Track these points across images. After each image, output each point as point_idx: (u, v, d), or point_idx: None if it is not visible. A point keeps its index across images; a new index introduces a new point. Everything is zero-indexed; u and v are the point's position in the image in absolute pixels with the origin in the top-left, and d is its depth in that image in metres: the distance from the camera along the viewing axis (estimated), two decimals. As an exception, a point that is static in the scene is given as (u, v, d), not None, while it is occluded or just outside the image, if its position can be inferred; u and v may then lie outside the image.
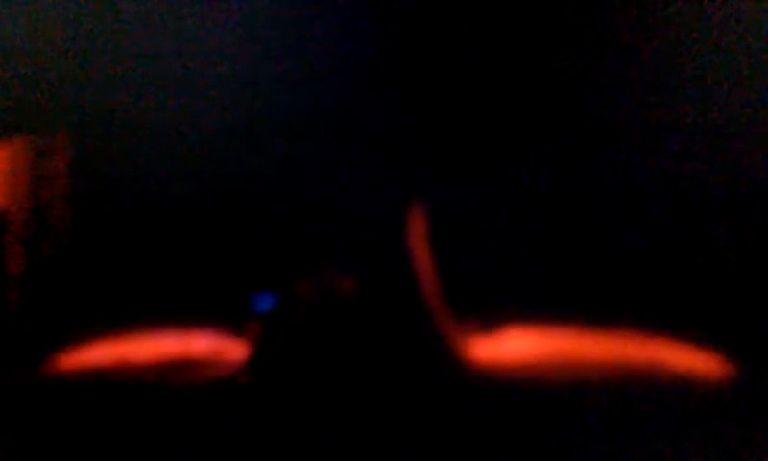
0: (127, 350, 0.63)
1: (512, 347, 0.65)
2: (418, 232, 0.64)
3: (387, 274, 0.64)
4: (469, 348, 0.64)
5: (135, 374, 0.63)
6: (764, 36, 0.64)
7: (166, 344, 0.63)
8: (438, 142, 0.65)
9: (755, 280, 0.65)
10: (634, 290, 0.65)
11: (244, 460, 0.63)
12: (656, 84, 0.64)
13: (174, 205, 0.63)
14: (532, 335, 0.65)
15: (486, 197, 0.65)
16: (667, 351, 0.65)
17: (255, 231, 0.64)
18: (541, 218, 0.65)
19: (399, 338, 0.64)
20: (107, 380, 0.62)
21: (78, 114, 0.62)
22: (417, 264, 0.64)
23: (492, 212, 0.65)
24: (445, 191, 0.65)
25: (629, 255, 0.65)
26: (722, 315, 0.65)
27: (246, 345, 0.63)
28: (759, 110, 0.64)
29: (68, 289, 0.63)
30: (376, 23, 0.64)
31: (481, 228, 0.65)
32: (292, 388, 0.63)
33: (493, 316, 0.65)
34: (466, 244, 0.65)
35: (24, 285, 0.63)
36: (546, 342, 0.64)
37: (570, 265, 0.65)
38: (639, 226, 0.65)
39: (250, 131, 0.63)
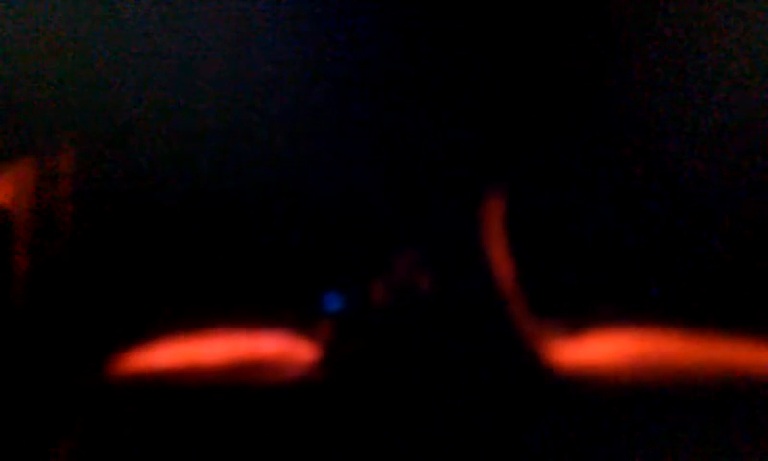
0: (197, 351, 0.61)
1: (596, 350, 0.62)
2: (498, 230, 0.62)
3: (465, 273, 0.62)
4: (553, 351, 0.61)
5: (205, 375, 0.61)
6: (764, 36, 0.62)
7: (236, 345, 0.61)
8: (519, 138, 0.63)
9: None
10: (720, 293, 0.62)
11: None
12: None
13: (243, 206, 0.62)
14: (616, 338, 0.62)
15: (570, 196, 0.63)
16: (754, 354, 0.62)
17: (328, 230, 0.62)
18: (627, 220, 0.62)
19: (479, 342, 0.61)
20: (177, 381, 0.61)
21: (78, 115, 0.62)
22: (497, 263, 0.62)
23: (578, 213, 0.63)
24: (528, 189, 0.63)
25: (715, 259, 0.62)
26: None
27: (317, 346, 0.61)
28: (760, 110, 0.62)
29: (139, 289, 0.62)
30: (381, 22, 0.62)
31: (565, 228, 0.62)
32: (364, 390, 0.61)
33: (578, 319, 0.62)
34: (548, 245, 0.63)
35: (91, 286, 0.62)
36: (631, 345, 0.61)
37: (655, 267, 0.62)
38: (727, 230, 0.62)
39: (310, 129, 0.62)
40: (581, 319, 0.62)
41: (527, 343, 0.61)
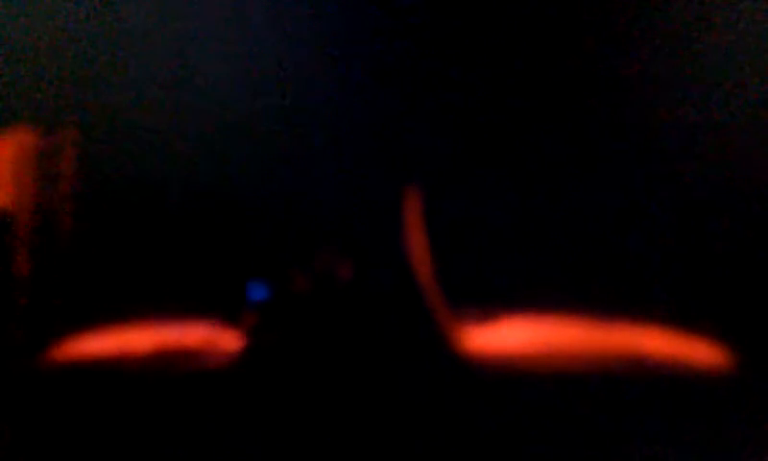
0: (124, 340, 0.63)
1: (508, 336, 0.64)
2: (414, 221, 0.64)
3: (382, 262, 0.64)
4: (466, 337, 0.64)
5: (132, 364, 0.63)
6: (764, 36, 0.64)
7: (162, 334, 0.63)
8: (435, 130, 0.65)
9: (752, 273, 0.65)
10: (630, 281, 0.65)
11: (238, 450, 0.63)
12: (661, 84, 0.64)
13: (167, 197, 0.63)
14: (528, 325, 0.64)
15: (484, 186, 0.65)
16: (663, 342, 0.64)
17: (249, 221, 0.64)
18: (540, 208, 0.65)
19: (395, 328, 0.64)
20: (104, 371, 0.63)
21: (78, 115, 0.63)
22: (412, 253, 0.64)
23: (490, 202, 0.65)
24: (442, 179, 0.65)
25: (626, 246, 0.65)
26: (717, 307, 0.64)
27: (241, 334, 0.63)
28: (759, 111, 0.64)
29: (66, 281, 0.63)
30: (378, 20, 0.64)
31: (478, 216, 0.65)
32: (286, 377, 0.63)
33: (490, 306, 0.65)
34: (462, 233, 0.65)
35: (24, 279, 0.63)
36: (542, 332, 0.64)
37: (567, 255, 0.64)
38: (637, 216, 0.65)
39: (240, 122, 0.63)
40: (494, 306, 0.65)
41: (442, 330, 0.64)
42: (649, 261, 0.64)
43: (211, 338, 0.63)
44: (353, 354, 0.63)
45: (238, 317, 0.64)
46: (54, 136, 0.63)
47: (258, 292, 0.64)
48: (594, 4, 0.64)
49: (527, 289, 0.65)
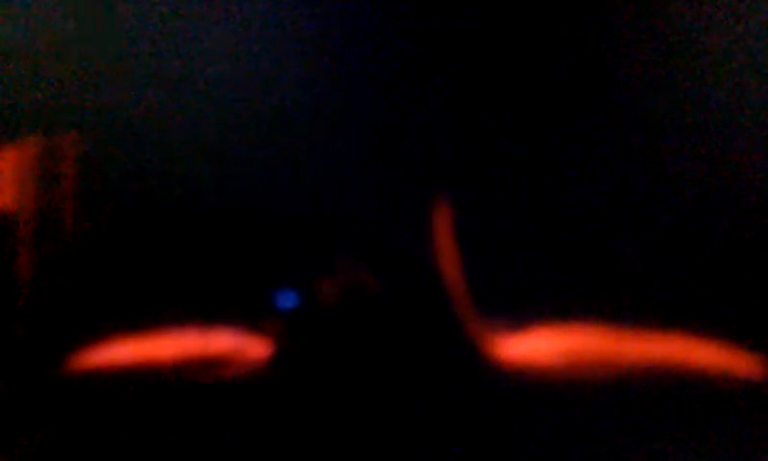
0: (149, 347, 0.62)
1: (538, 346, 0.63)
2: (443, 229, 0.63)
3: (412, 272, 0.63)
4: (497, 347, 0.63)
5: (157, 371, 0.62)
6: (764, 36, 0.63)
7: (188, 341, 0.62)
8: (466, 138, 0.64)
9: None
10: (661, 290, 0.64)
11: (263, 457, 0.62)
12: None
13: (197, 203, 0.63)
14: (558, 334, 0.63)
15: (513, 193, 0.64)
16: (698, 350, 0.64)
17: (278, 229, 0.63)
18: (570, 217, 0.64)
19: (424, 337, 0.63)
20: (129, 378, 0.62)
21: (79, 115, 0.62)
22: (442, 262, 0.63)
23: (520, 210, 0.64)
24: (472, 187, 0.64)
25: (657, 254, 0.64)
26: (751, 314, 0.63)
27: (267, 343, 0.63)
28: (759, 110, 0.63)
29: (92, 287, 0.63)
30: (382, 20, 0.63)
31: (508, 225, 0.64)
32: (313, 386, 0.62)
33: (521, 315, 0.64)
34: (493, 241, 0.64)
35: (46, 285, 0.63)
36: (573, 341, 0.63)
37: (598, 264, 0.64)
38: (668, 225, 0.64)
39: (271, 128, 0.63)
40: (524, 316, 0.64)
41: (472, 339, 0.63)
42: (679, 271, 0.64)
43: (237, 346, 0.63)
44: (381, 364, 0.63)
45: (264, 325, 0.63)
46: (59, 139, 0.63)
47: (285, 300, 0.63)
48: (594, 4, 0.64)
49: (557, 298, 0.64)
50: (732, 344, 0.64)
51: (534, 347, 0.64)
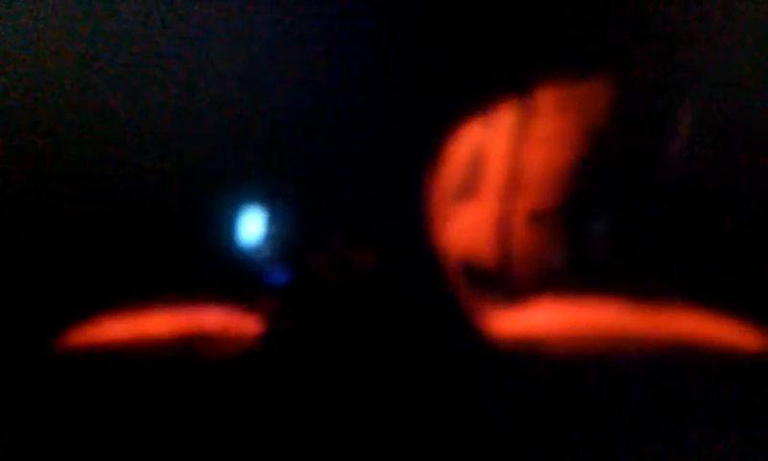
0: (139, 325, 0.62)
1: (534, 320, 0.62)
2: (436, 201, 0.62)
3: (405, 246, 0.62)
4: (493, 321, 0.62)
5: (148, 350, 0.62)
6: (764, 35, 0.61)
7: (179, 319, 0.62)
8: (461, 110, 0.63)
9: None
10: (666, 262, 0.62)
11: (255, 435, 0.62)
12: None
13: (183, 180, 0.62)
14: (554, 308, 0.62)
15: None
16: (702, 325, 0.62)
17: (268, 205, 0.62)
18: (572, 188, 0.63)
19: (418, 312, 0.62)
20: (118, 356, 0.62)
21: (78, 115, 0.62)
22: (435, 234, 0.62)
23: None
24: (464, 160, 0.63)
25: (661, 224, 0.62)
26: (752, 289, 0.62)
27: (259, 320, 0.62)
28: (759, 111, 0.61)
29: (80, 266, 0.63)
30: (379, 20, 0.62)
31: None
32: (305, 363, 0.62)
33: (519, 288, 0.63)
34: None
35: (36, 264, 0.63)
36: (569, 315, 0.62)
37: (594, 237, 0.62)
38: (670, 195, 0.62)
39: (256, 107, 0.62)
40: (520, 289, 0.63)
41: (466, 314, 0.62)
42: (679, 244, 0.62)
43: (229, 323, 0.62)
44: (375, 339, 0.62)
45: (257, 302, 0.63)
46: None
47: (277, 277, 0.63)
48: (595, 4, 0.62)
49: (558, 272, 0.63)
50: (742, 320, 0.62)
51: (530, 320, 0.63)
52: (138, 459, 0.63)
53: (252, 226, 0.62)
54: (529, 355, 0.62)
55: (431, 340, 0.62)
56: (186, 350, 0.62)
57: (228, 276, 0.63)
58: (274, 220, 0.63)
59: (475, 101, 0.62)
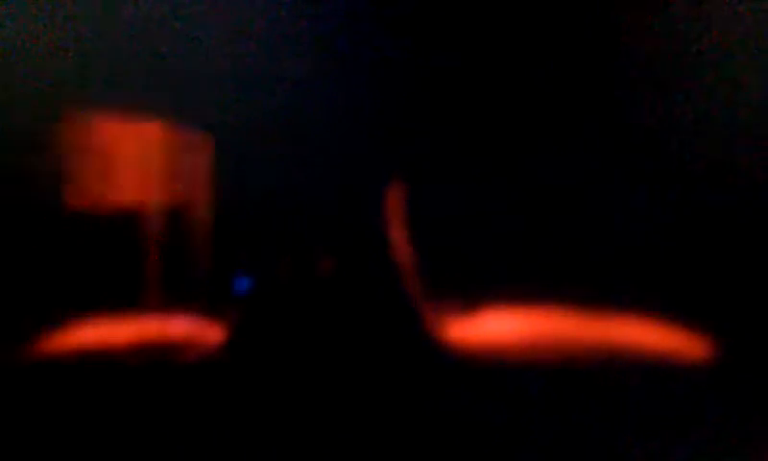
0: (105, 333, 0.63)
1: (491, 328, 0.64)
2: (395, 212, 0.64)
3: (364, 254, 0.64)
4: (448, 328, 0.64)
5: (113, 357, 0.63)
6: (764, 35, 0.64)
7: (145, 327, 0.63)
8: (417, 121, 0.65)
9: (741, 265, 0.65)
10: (616, 271, 0.65)
11: (221, 442, 0.63)
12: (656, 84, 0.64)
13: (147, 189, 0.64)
14: (511, 316, 0.64)
15: (467, 177, 0.65)
16: (648, 333, 0.65)
17: (232, 215, 0.64)
18: (523, 197, 0.65)
19: (377, 319, 0.64)
20: (85, 363, 0.63)
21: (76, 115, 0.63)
22: (394, 244, 0.64)
23: (473, 191, 0.65)
24: (426, 171, 0.65)
25: (612, 234, 0.65)
26: (707, 297, 0.64)
27: (223, 328, 0.63)
28: (759, 110, 0.64)
29: (46, 273, 0.63)
30: (375, 22, 0.64)
31: (461, 207, 0.65)
32: (269, 371, 0.63)
33: (473, 296, 0.65)
34: (444, 224, 0.65)
35: (3, 271, 0.63)
36: (525, 322, 0.64)
37: (552, 245, 0.64)
38: (621, 205, 0.65)
39: (223, 118, 0.63)
40: (476, 297, 0.65)
41: (424, 321, 0.64)
42: (634, 253, 0.64)
43: (194, 331, 0.63)
44: (336, 347, 0.63)
45: (221, 310, 0.64)
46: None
47: (241, 285, 0.64)
48: (594, 4, 0.64)
49: (510, 280, 0.65)
50: (687, 327, 0.65)
51: (486, 328, 0.65)
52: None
53: (218, 234, 0.64)
54: (482, 361, 0.64)
55: (391, 346, 0.64)
56: (152, 357, 0.63)
57: (192, 284, 0.64)
58: (237, 229, 0.64)
59: (453, 106, 0.64)
